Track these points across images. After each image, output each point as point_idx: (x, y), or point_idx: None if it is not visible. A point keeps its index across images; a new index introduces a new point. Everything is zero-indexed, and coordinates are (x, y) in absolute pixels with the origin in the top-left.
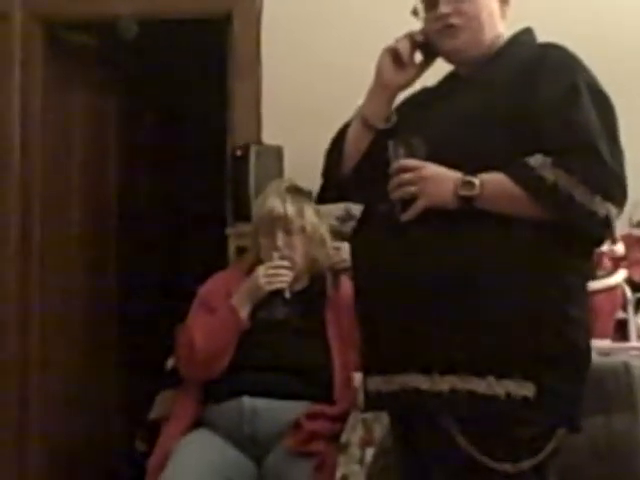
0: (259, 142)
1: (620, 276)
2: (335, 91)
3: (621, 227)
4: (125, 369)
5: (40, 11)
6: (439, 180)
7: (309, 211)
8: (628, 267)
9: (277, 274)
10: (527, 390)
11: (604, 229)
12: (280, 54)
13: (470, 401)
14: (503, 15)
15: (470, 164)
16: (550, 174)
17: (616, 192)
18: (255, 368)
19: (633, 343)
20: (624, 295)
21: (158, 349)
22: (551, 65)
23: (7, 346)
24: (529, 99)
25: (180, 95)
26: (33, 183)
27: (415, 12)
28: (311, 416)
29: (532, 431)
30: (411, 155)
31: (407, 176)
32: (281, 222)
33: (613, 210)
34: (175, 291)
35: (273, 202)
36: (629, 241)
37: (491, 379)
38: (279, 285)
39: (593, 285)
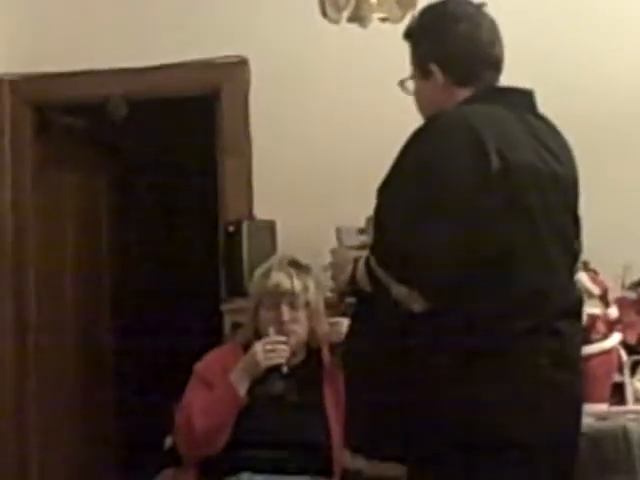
0: (251, 217)
1: (615, 339)
2: (322, 165)
3: (614, 290)
4: (124, 449)
5: (29, 95)
6: None
7: (312, 285)
8: (622, 330)
9: (275, 349)
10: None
11: None
12: (268, 129)
13: None
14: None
15: None
16: None
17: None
18: (253, 444)
19: (630, 406)
20: (619, 358)
21: (156, 428)
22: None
23: None
24: None
25: (171, 172)
26: (27, 265)
27: (402, 84)
28: None
29: None
30: None
31: None
32: (287, 297)
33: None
34: (171, 369)
35: (278, 277)
36: (623, 304)
37: None
38: (277, 361)
39: (588, 349)
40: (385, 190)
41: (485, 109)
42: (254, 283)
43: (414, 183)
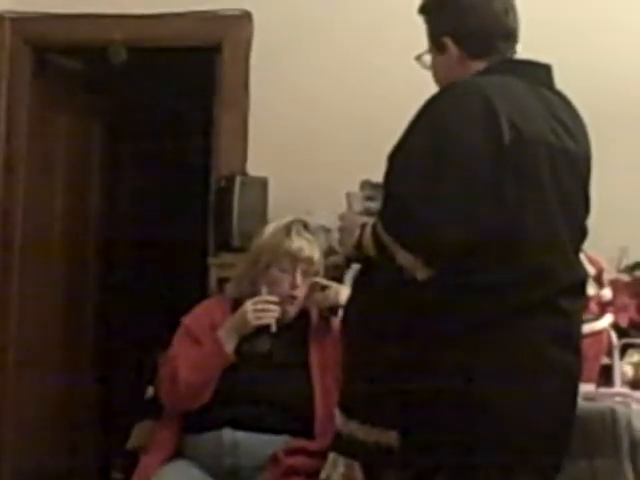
0: (244, 173)
1: (606, 321)
2: (321, 125)
3: (609, 272)
4: (103, 395)
5: (29, 34)
6: None
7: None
8: (615, 312)
9: (265, 309)
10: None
11: None
12: (268, 86)
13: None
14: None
15: None
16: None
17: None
18: (237, 401)
19: (618, 389)
20: (610, 340)
21: (138, 377)
22: None
23: None
24: None
25: (166, 123)
26: (15, 201)
27: (419, 58)
28: (290, 451)
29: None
30: None
31: None
32: (304, 264)
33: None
34: (156, 319)
35: (301, 242)
36: (617, 286)
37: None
38: (267, 321)
39: None
40: (396, 157)
41: (500, 80)
42: (263, 240)
43: (426, 150)
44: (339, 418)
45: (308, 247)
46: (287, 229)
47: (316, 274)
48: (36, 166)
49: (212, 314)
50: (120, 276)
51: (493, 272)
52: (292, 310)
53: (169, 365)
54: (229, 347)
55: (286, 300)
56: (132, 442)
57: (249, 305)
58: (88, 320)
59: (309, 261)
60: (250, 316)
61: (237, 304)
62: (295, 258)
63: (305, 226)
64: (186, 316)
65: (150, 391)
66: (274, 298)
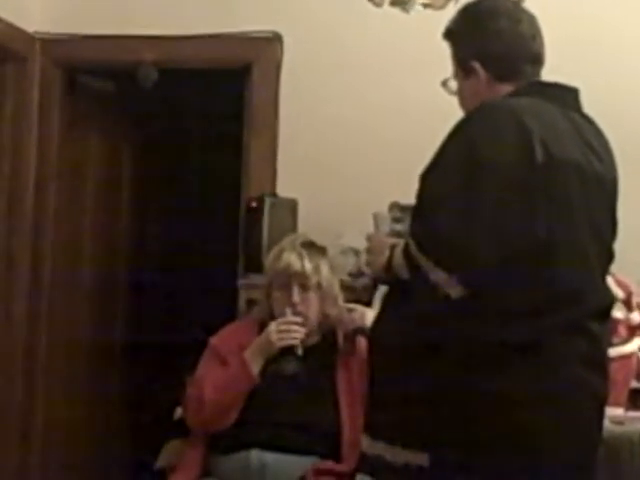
0: (274, 194)
1: (635, 344)
2: (350, 147)
3: (638, 295)
4: (133, 417)
5: (60, 55)
6: None
7: (325, 267)
8: None
9: (289, 330)
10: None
11: None
12: (298, 107)
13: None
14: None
15: None
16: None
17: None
18: (264, 423)
19: None
20: (639, 364)
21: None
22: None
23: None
24: None
25: (196, 143)
26: (46, 220)
27: (444, 84)
28: (318, 472)
29: None
30: None
31: None
32: (298, 278)
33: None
34: (185, 340)
35: (290, 257)
36: None
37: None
38: (291, 342)
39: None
40: (429, 176)
41: (529, 102)
42: (268, 262)
43: (459, 170)
44: (365, 439)
45: (298, 261)
46: (282, 248)
47: (319, 286)
48: (66, 185)
49: (240, 335)
50: (150, 295)
51: (524, 293)
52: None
53: (195, 386)
54: (255, 369)
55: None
56: (161, 462)
57: (273, 326)
58: (118, 339)
59: (301, 275)
60: (274, 337)
61: (263, 326)
62: (286, 274)
63: (305, 243)
64: (214, 337)
65: (179, 411)
66: (298, 319)
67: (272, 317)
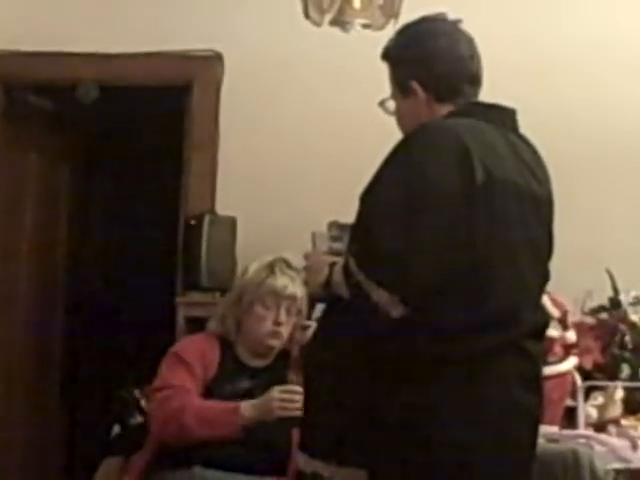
0: (213, 212)
1: (570, 363)
2: (289, 166)
3: (573, 314)
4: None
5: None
6: None
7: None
8: (579, 355)
9: (292, 400)
10: None
11: None
12: (238, 125)
13: None
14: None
15: None
16: None
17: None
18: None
19: (581, 431)
20: (574, 382)
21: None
22: None
23: None
24: None
25: (136, 162)
26: None
27: (382, 104)
28: None
29: None
30: None
31: None
32: (288, 301)
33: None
34: (124, 358)
35: (284, 280)
36: (581, 329)
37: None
38: (292, 413)
39: (543, 371)
40: (369, 196)
41: (469, 122)
42: (250, 278)
43: (399, 191)
44: (301, 457)
45: (291, 284)
46: (270, 267)
47: (299, 312)
48: (4, 206)
49: (201, 344)
50: (87, 313)
51: (463, 312)
52: (277, 344)
53: (172, 410)
54: (244, 419)
55: (270, 335)
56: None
57: (276, 394)
58: (55, 360)
59: (292, 298)
60: (276, 405)
61: (223, 340)
62: (279, 295)
63: (288, 264)
64: (174, 346)
65: (116, 429)
66: (299, 388)
67: (237, 332)
